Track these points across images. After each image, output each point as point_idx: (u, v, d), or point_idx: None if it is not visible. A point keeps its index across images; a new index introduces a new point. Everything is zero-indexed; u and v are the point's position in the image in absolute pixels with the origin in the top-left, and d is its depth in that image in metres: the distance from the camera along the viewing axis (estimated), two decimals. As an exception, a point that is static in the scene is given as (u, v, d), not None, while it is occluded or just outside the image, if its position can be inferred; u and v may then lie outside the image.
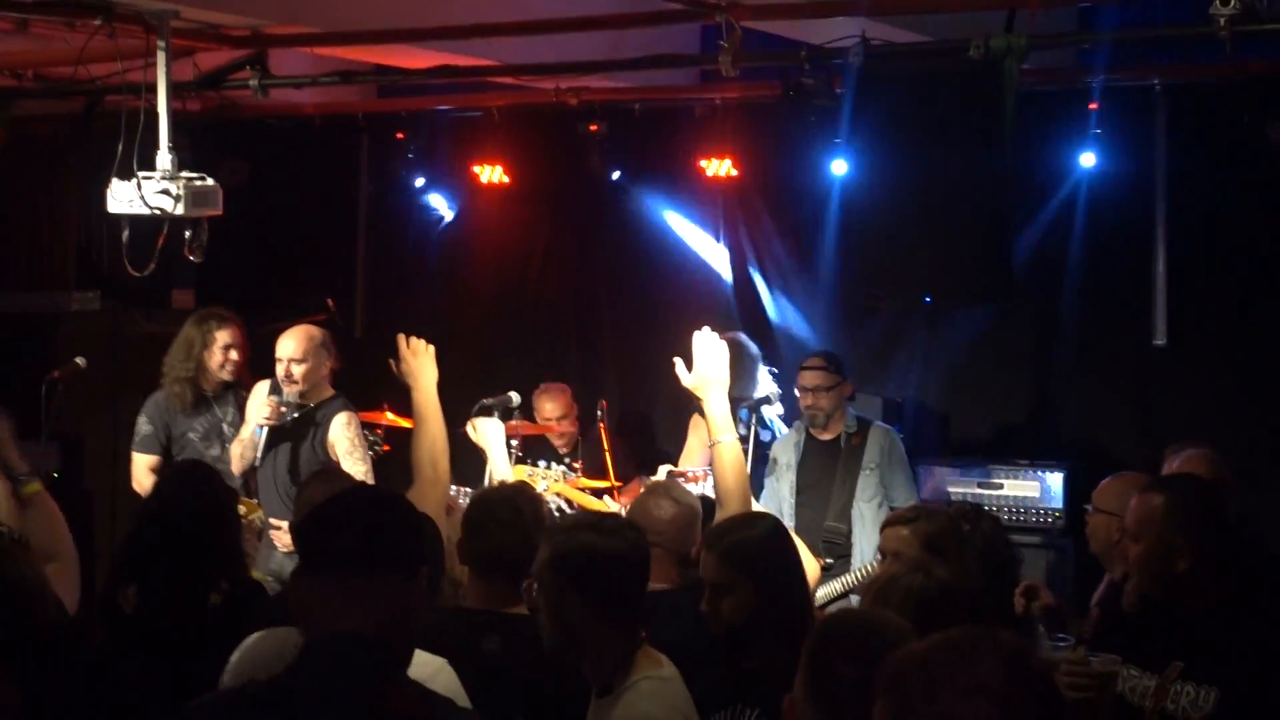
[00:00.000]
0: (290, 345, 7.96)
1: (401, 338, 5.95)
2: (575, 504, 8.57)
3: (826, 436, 8.23)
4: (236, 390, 8.37)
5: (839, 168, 8.14)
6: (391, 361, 5.99)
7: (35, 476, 5.21)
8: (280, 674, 3.45)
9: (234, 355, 8.30)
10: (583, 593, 4.21)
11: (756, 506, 6.29)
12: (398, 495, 3.61)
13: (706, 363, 5.65)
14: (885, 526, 5.45)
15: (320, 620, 3.32)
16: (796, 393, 8.22)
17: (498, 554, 4.85)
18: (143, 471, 8.30)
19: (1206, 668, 4.38)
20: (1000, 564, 5.66)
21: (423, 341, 5.94)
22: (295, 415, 8.00)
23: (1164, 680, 4.41)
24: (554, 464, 8.46)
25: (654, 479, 7.06)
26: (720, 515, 5.48)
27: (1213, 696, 4.33)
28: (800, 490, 8.23)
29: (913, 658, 2.39)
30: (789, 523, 7.89)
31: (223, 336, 8.34)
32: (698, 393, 5.68)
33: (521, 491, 5.37)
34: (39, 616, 3.86)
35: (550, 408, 9.07)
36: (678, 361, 5.73)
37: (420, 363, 5.89)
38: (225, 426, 8.34)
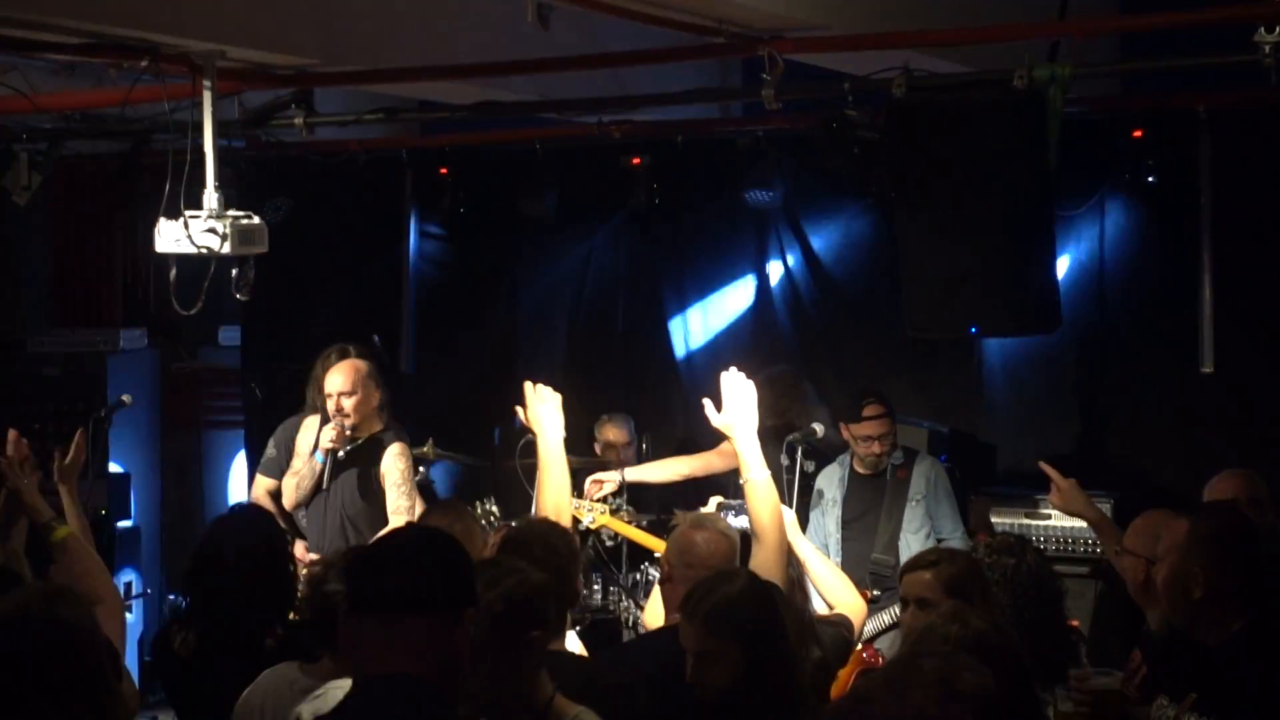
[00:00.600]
0: (339, 379, 7.98)
1: (529, 385, 6.00)
2: (622, 536, 8.58)
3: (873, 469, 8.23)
4: None
5: (878, 197, 8.17)
6: (518, 409, 6.03)
7: (62, 520, 5.19)
8: (328, 714, 3.47)
9: None
10: (545, 629, 4.18)
11: (805, 537, 6.29)
12: (445, 536, 3.62)
13: (735, 403, 5.67)
14: (905, 572, 5.34)
15: (368, 660, 3.33)
16: (846, 435, 8.19)
17: None
18: (261, 493, 8.30)
19: (1214, 701, 4.39)
20: (1046, 597, 5.62)
21: (549, 389, 5.98)
22: (349, 448, 8.01)
23: (1180, 711, 4.42)
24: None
25: (703, 510, 7.07)
26: (756, 551, 5.50)
27: None
28: (846, 523, 8.21)
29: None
30: (835, 556, 7.89)
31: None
32: (727, 433, 5.71)
33: (554, 527, 5.38)
34: (93, 658, 3.89)
35: (615, 434, 9.12)
36: (707, 403, 5.76)
37: (546, 411, 5.94)
38: None
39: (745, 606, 4.49)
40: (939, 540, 8.06)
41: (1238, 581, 4.57)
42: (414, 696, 3.25)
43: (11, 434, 5.34)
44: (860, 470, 8.26)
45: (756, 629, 4.46)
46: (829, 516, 8.25)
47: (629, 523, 8.47)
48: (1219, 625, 4.54)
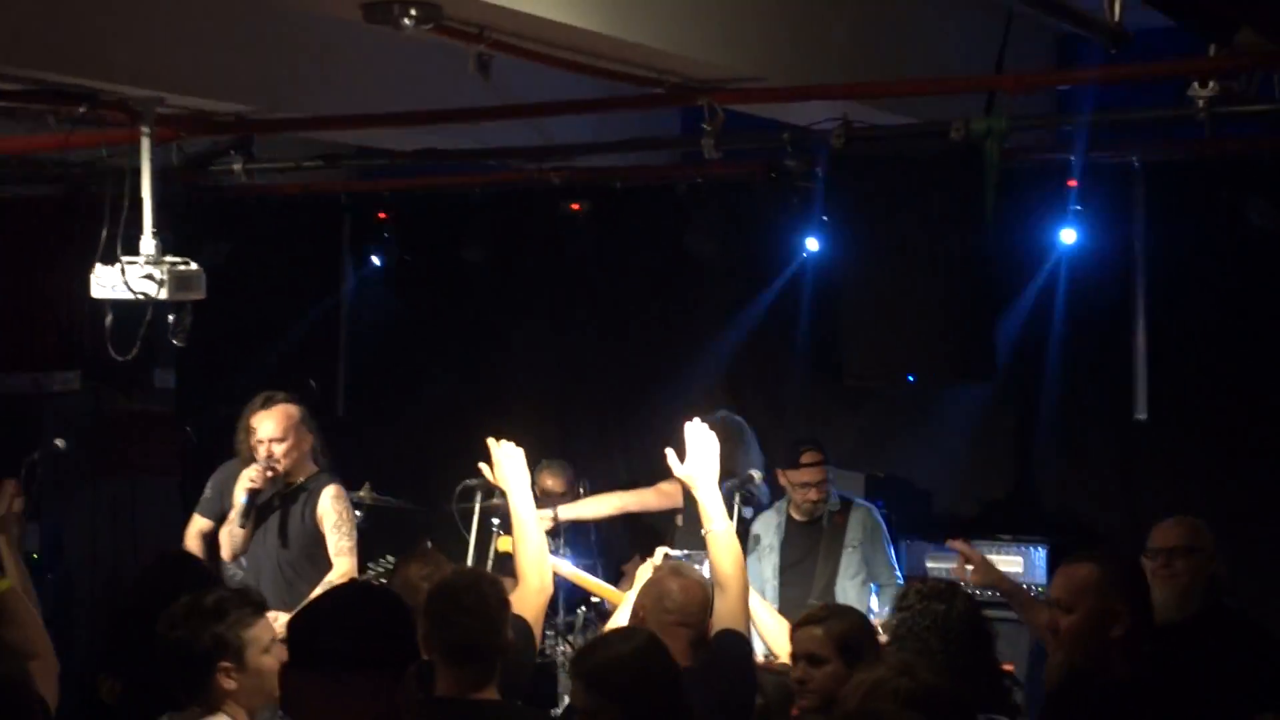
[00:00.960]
0: (270, 425, 7.92)
1: (492, 441, 5.90)
2: (568, 580, 8.54)
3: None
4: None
5: (817, 248, 8.22)
6: (483, 466, 5.95)
7: (2, 574, 5.14)
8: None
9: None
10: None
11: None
12: (386, 591, 3.62)
13: (697, 454, 5.66)
14: (796, 628, 5.31)
15: (309, 717, 3.31)
16: (783, 481, 8.22)
17: (467, 642, 4.82)
18: (193, 533, 8.19)
19: None
20: (978, 641, 5.64)
21: (511, 443, 5.90)
22: (279, 491, 7.95)
23: None
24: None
25: (651, 561, 7.07)
26: (720, 601, 5.50)
27: None
28: (783, 569, 8.23)
29: None
30: (773, 601, 7.89)
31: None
32: (689, 484, 5.69)
33: (483, 576, 5.32)
34: (25, 715, 3.85)
35: (553, 481, 9.07)
36: (669, 452, 5.75)
37: (512, 467, 5.84)
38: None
39: (630, 667, 4.42)
40: (879, 587, 8.10)
41: (1148, 614, 4.81)
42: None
43: None
44: (797, 517, 8.29)
45: (639, 690, 4.39)
46: (766, 563, 8.26)
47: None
48: (1128, 660, 4.68)
